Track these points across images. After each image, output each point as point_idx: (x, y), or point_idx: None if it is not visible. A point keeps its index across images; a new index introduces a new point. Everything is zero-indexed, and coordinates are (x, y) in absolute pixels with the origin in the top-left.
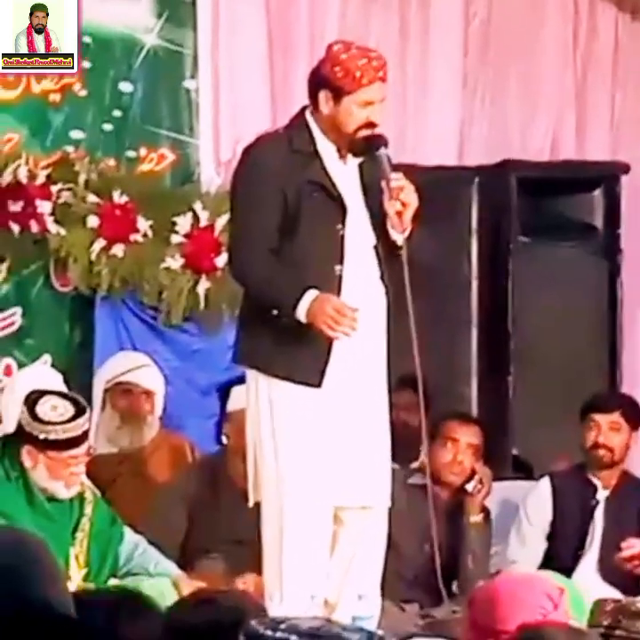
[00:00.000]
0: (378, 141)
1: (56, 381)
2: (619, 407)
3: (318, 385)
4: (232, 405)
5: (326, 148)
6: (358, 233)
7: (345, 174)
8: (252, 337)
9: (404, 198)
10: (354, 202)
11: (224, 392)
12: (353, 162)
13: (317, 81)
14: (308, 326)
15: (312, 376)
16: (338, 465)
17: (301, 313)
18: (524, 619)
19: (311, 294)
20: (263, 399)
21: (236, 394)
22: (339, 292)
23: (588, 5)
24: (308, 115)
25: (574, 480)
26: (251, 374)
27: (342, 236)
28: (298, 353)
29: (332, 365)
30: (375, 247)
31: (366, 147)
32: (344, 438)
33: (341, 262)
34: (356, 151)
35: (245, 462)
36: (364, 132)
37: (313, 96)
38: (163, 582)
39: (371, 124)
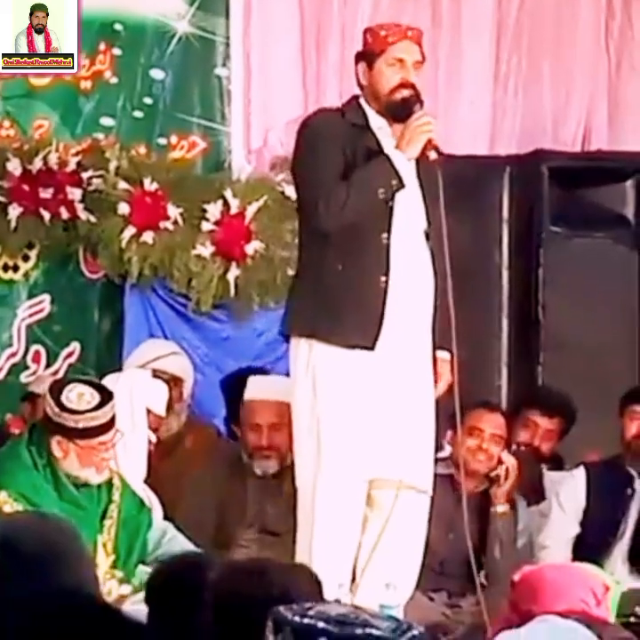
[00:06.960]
0: (411, 100)
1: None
2: None
3: (372, 347)
4: (249, 395)
5: (378, 124)
6: (406, 208)
7: (398, 153)
8: (304, 307)
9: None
10: (405, 178)
11: (229, 385)
12: None
13: (356, 59)
14: (361, 283)
15: (366, 339)
16: (379, 436)
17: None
18: (564, 608)
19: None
20: (310, 367)
21: (253, 384)
22: (387, 261)
23: None
24: (360, 99)
25: (610, 469)
26: (299, 344)
27: (391, 208)
28: (351, 317)
29: (383, 333)
30: (426, 234)
31: (403, 108)
32: (388, 409)
33: (388, 231)
34: (396, 115)
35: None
36: (401, 93)
37: (357, 76)
38: None
39: (406, 84)
